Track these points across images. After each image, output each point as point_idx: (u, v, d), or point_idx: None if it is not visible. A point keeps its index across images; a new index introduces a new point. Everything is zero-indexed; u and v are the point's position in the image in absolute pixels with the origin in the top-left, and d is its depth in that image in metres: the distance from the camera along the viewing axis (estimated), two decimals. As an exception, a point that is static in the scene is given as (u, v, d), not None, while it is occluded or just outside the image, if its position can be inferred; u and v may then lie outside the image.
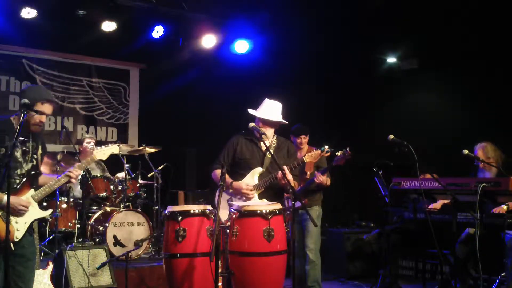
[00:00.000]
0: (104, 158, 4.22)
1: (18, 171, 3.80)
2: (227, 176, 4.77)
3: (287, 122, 5.03)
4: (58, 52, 8.61)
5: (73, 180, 3.96)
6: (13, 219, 3.70)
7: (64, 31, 8.10)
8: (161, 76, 9.02)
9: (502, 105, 6.73)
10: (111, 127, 9.11)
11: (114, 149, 4.25)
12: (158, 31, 8.22)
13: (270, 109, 4.91)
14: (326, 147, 4.95)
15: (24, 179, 3.81)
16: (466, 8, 6.78)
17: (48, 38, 8.18)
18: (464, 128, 6.96)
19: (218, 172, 4.81)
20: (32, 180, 3.87)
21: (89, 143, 7.08)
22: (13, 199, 3.67)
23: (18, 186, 3.78)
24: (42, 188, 3.87)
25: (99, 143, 7.91)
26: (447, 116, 7.38)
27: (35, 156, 3.90)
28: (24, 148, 3.83)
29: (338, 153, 5.15)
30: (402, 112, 7.87)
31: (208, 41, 8.57)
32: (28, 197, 3.81)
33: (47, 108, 3.82)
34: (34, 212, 3.83)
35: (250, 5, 7.94)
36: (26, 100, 3.68)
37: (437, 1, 6.98)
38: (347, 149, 5.12)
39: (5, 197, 3.62)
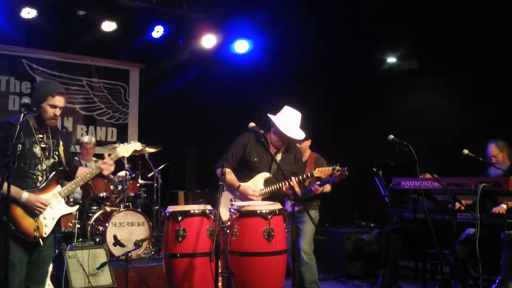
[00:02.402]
0: (127, 155, 4.25)
1: (39, 167, 3.82)
2: (234, 178, 4.75)
3: (303, 138, 4.89)
4: (58, 52, 8.63)
5: (105, 172, 3.98)
6: (41, 215, 3.75)
7: (64, 31, 8.11)
8: (161, 76, 9.02)
9: (502, 105, 6.73)
10: (111, 127, 9.12)
11: (136, 146, 4.27)
12: (158, 31, 8.22)
13: (291, 122, 4.73)
14: (338, 166, 4.95)
15: (50, 176, 3.84)
16: (466, 8, 6.78)
17: (48, 38, 8.19)
18: (464, 128, 6.95)
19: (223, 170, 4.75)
20: (58, 177, 3.90)
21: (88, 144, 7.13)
22: (32, 197, 3.73)
23: (44, 184, 3.81)
24: (68, 184, 3.91)
25: (98, 143, 7.93)
26: (447, 116, 7.37)
27: (56, 152, 3.92)
28: (43, 144, 3.84)
29: (336, 171, 5.13)
30: (402, 112, 7.87)
31: (208, 41, 8.57)
32: (55, 193, 3.84)
33: (58, 100, 3.82)
34: (61, 208, 3.88)
35: (250, 5, 7.94)
36: (26, 100, 3.68)
37: (437, 1, 6.98)
38: (345, 168, 5.09)
39: (25, 195, 3.67)
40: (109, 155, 4.08)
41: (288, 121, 4.74)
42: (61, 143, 3.98)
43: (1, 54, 8.17)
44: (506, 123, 6.60)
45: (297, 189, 4.52)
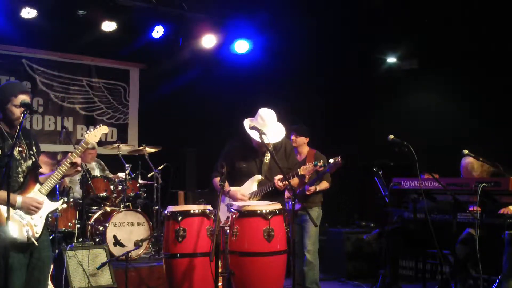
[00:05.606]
0: (96, 140, 4.17)
1: (19, 169, 3.81)
2: (226, 184, 4.74)
3: (280, 140, 4.80)
4: (58, 52, 8.62)
5: (78, 168, 3.95)
6: (28, 216, 3.74)
7: (64, 31, 8.10)
8: (161, 76, 9.02)
9: (502, 105, 6.72)
10: (111, 127, 9.11)
11: (103, 129, 4.20)
12: (158, 31, 8.22)
13: (266, 127, 4.65)
14: (321, 161, 4.94)
15: (27, 176, 3.83)
16: (466, 8, 6.78)
17: (48, 38, 8.19)
18: (464, 128, 6.95)
19: (217, 180, 4.66)
20: (35, 176, 3.89)
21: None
22: (26, 198, 3.73)
23: (24, 185, 3.79)
24: (47, 181, 3.89)
25: (99, 144, 7.90)
26: (447, 116, 7.36)
27: (31, 152, 3.91)
28: (19, 148, 3.83)
29: (331, 161, 5.14)
30: (402, 112, 7.86)
31: (208, 41, 8.57)
32: (36, 192, 3.83)
33: (22, 99, 3.77)
34: (47, 205, 3.86)
35: (250, 5, 7.94)
36: (27, 100, 3.68)
37: (437, 1, 6.98)
38: (339, 157, 5.09)
39: (19, 198, 3.69)
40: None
41: (263, 126, 4.65)
42: (34, 144, 3.96)
43: (1, 54, 8.16)
44: (506, 123, 6.60)
45: (294, 181, 4.54)
